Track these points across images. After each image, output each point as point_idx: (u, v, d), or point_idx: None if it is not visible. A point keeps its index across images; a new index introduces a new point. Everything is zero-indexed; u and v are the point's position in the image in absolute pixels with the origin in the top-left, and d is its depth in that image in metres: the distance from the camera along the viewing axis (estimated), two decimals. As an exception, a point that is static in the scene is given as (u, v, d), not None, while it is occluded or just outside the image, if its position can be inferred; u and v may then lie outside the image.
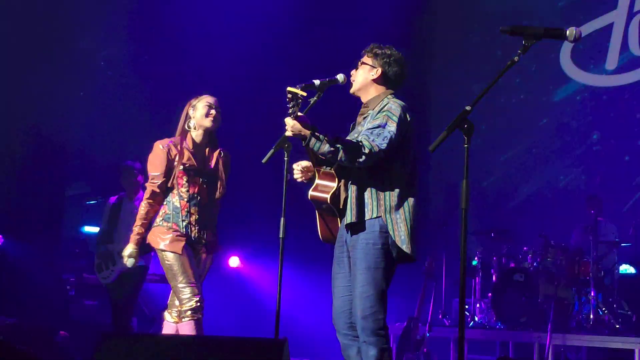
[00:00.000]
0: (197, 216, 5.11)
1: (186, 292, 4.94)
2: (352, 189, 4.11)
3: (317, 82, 4.24)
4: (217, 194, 5.21)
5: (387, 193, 4.08)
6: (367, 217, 4.07)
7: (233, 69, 10.15)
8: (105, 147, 9.58)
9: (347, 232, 4.15)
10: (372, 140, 3.98)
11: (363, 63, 4.31)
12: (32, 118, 9.00)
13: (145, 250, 7.03)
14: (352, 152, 3.93)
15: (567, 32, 3.31)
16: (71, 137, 9.62)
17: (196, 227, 5.11)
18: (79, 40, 9.38)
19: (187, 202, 5.11)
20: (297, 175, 4.32)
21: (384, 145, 3.98)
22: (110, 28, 9.60)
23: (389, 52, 4.30)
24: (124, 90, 9.82)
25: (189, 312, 4.93)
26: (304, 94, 4.13)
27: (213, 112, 5.21)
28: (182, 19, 10.08)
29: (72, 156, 9.78)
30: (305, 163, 4.33)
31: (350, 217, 4.08)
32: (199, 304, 4.95)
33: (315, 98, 4.26)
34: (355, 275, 4.07)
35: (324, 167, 4.23)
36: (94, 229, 9.30)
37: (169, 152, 5.15)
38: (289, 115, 4.02)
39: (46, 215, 9.40)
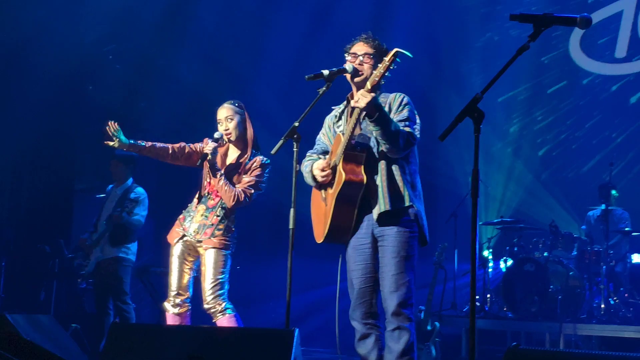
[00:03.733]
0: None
1: None
2: (383, 177, 4.13)
3: (325, 72, 4.22)
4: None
5: (410, 182, 4.20)
6: (400, 205, 4.12)
7: (238, 62, 10.15)
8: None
9: (374, 221, 4.13)
10: (411, 132, 4.13)
11: (375, 64, 4.25)
12: (41, 112, 9.01)
13: (119, 242, 6.98)
14: (407, 138, 4.08)
15: (578, 18, 3.28)
16: (80, 131, 9.64)
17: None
18: (87, 33, 9.38)
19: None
20: (323, 175, 4.29)
21: (418, 137, 4.17)
22: (118, 21, 9.60)
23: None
24: (132, 83, 9.82)
25: None
26: (410, 55, 4.03)
27: (220, 127, 5.37)
28: (189, 13, 10.08)
29: (81, 149, 9.80)
30: (323, 164, 4.31)
31: (383, 205, 4.10)
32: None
33: (324, 88, 4.24)
34: (389, 263, 4.10)
35: (353, 151, 4.16)
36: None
37: None
38: (374, 82, 3.99)
39: (56, 210, 9.42)
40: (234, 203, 5.18)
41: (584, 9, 9.98)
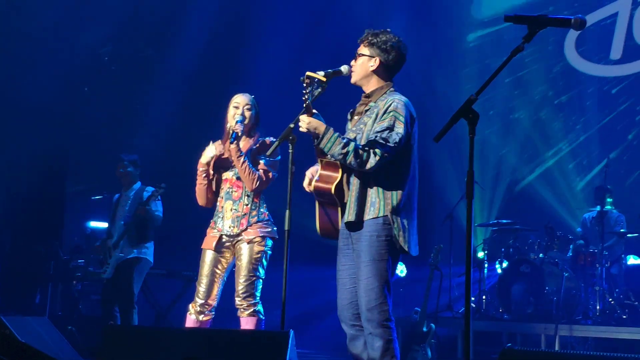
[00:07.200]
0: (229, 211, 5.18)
1: None
2: (354, 187, 4.09)
3: (321, 73, 4.22)
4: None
5: (394, 192, 4.07)
6: (370, 216, 4.05)
7: (234, 62, 10.14)
8: (109, 142, 9.59)
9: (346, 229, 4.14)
10: (381, 145, 3.98)
11: (361, 54, 4.27)
12: (37, 113, 9.00)
13: (138, 241, 6.98)
14: (361, 157, 3.95)
15: (572, 20, 3.28)
16: (76, 133, 9.63)
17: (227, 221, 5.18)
18: (83, 35, 9.37)
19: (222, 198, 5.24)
20: (306, 184, 4.28)
21: (393, 149, 4.00)
22: (114, 23, 9.60)
23: (385, 37, 4.24)
24: (127, 85, 9.82)
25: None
26: (324, 79, 4.10)
27: (237, 111, 5.19)
28: (185, 13, 10.08)
29: (76, 151, 9.78)
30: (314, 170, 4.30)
31: (348, 215, 4.08)
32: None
33: (319, 90, 4.23)
34: (360, 268, 4.06)
35: (324, 157, 4.19)
36: (100, 224, 9.29)
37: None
38: (304, 103, 4.00)
39: (49, 211, 9.40)
40: (256, 185, 5.08)
41: (579, 10, 9.99)
